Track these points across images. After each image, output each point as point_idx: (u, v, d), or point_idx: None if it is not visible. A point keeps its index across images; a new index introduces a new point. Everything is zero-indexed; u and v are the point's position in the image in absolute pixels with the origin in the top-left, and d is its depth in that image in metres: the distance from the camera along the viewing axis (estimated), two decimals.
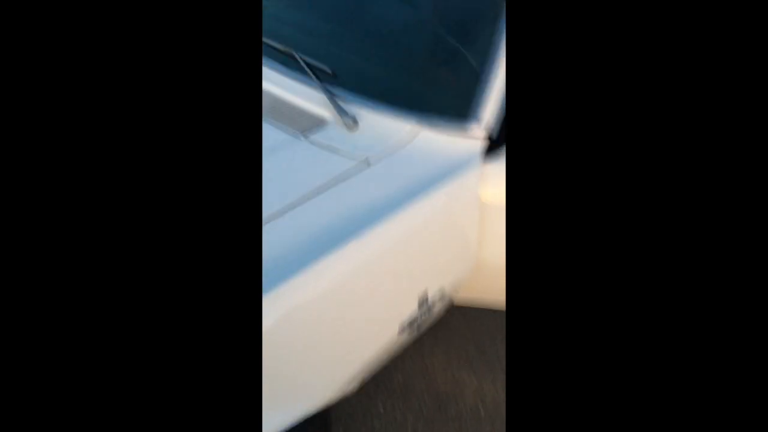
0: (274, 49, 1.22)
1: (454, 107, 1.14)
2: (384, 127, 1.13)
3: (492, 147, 1.14)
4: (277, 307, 0.77)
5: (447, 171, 1.07)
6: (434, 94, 1.20)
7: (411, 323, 1.07)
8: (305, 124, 1.13)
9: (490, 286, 1.29)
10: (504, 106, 1.14)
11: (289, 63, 1.21)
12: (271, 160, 1.01)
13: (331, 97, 1.14)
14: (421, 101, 1.18)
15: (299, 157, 1.03)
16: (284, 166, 1.00)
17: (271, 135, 1.08)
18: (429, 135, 1.12)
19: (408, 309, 1.03)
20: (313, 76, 1.15)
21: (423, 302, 1.07)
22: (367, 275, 0.91)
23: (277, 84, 1.21)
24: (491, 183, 1.09)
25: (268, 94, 1.20)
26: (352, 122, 1.13)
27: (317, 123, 1.14)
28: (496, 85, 1.11)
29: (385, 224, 0.93)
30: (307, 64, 1.16)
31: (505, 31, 1.10)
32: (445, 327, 1.48)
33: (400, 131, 1.12)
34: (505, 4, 1.16)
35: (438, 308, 1.16)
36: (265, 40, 1.24)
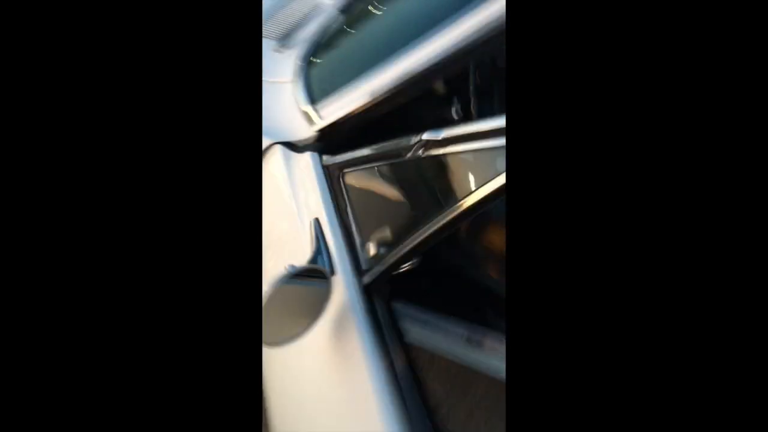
0: None
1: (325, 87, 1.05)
2: (286, 64, 1.16)
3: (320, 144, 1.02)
4: None
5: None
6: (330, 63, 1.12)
7: None
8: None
9: None
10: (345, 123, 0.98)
11: None
12: None
13: (298, 25, 1.23)
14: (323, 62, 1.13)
15: None
16: None
17: None
18: (287, 89, 1.09)
19: None
20: None
21: None
22: None
23: None
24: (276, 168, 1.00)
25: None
26: (280, 47, 1.20)
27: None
28: (346, 102, 0.96)
29: None
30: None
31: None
32: None
33: (280, 74, 1.14)
34: None
35: None
36: None
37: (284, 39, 1.23)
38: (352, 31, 1.18)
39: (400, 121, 1.20)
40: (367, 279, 0.73)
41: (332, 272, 0.75)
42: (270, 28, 1.30)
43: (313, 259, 0.77)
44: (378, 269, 0.72)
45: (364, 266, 0.75)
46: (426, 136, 0.67)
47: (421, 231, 0.66)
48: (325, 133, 1.04)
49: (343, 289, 0.74)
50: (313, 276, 0.71)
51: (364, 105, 0.95)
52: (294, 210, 0.94)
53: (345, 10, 1.28)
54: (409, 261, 0.69)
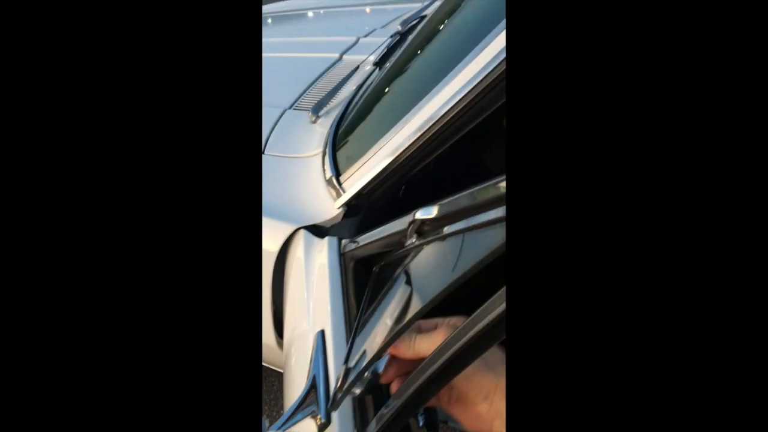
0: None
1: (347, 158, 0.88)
2: (319, 134, 1.02)
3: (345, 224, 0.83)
4: None
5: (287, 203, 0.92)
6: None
7: None
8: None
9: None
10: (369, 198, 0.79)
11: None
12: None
13: (333, 90, 1.12)
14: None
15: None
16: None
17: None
18: (317, 163, 0.94)
19: None
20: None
21: None
22: None
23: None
24: (299, 250, 0.84)
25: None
26: (315, 116, 1.08)
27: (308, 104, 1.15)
28: (369, 167, 0.78)
29: None
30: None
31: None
32: None
33: (310, 147, 1.00)
34: None
35: None
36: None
37: (319, 107, 1.10)
38: (385, 89, 1.00)
39: (434, 183, 0.95)
40: None
41: (326, 421, 0.52)
42: (307, 98, 1.19)
43: (304, 397, 0.55)
44: (383, 421, 0.47)
45: (369, 415, 0.51)
46: (419, 215, 0.43)
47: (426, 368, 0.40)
48: (350, 208, 0.84)
49: None
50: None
51: (386, 167, 0.74)
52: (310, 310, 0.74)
53: (379, 63, 1.11)
54: (417, 407, 0.43)
